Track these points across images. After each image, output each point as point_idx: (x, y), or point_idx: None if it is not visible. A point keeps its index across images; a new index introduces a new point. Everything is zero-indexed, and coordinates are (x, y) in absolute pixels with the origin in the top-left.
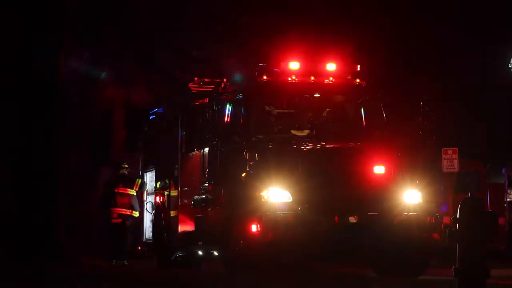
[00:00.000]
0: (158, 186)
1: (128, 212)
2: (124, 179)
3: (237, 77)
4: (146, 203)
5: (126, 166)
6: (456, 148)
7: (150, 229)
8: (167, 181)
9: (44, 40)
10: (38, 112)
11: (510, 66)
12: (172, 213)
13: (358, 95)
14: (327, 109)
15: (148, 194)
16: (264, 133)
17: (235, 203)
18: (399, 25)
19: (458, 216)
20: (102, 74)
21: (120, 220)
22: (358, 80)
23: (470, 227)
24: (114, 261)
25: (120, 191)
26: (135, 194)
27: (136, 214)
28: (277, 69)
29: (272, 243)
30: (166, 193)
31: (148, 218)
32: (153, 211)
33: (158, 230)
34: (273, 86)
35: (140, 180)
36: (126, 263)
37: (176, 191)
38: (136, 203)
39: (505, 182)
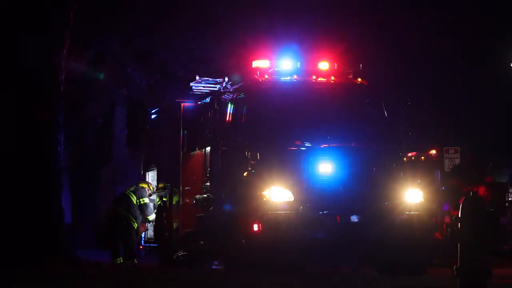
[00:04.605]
0: (159, 186)
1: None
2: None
3: (239, 76)
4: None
5: (143, 185)
6: (458, 148)
7: (152, 229)
8: (167, 184)
9: (44, 40)
10: (38, 112)
11: (511, 65)
12: (174, 213)
13: (359, 94)
14: (328, 109)
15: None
16: (265, 133)
17: (237, 202)
18: (399, 25)
19: (459, 215)
20: (101, 74)
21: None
22: (359, 79)
23: (472, 226)
24: (120, 259)
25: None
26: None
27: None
28: (278, 69)
29: (273, 242)
30: (167, 192)
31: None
32: (155, 211)
33: (160, 230)
34: (274, 85)
35: (144, 201)
36: (136, 262)
37: (178, 190)
38: (135, 211)
39: (506, 181)
